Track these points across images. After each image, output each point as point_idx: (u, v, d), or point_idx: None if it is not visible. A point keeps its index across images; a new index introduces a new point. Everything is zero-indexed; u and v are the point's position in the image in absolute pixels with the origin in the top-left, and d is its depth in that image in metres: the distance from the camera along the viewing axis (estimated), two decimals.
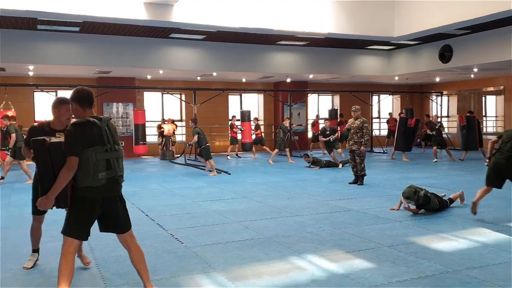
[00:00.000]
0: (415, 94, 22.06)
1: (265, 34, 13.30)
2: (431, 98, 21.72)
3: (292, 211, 7.05)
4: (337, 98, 21.97)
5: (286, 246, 5.09)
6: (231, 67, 15.77)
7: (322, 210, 7.13)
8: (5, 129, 13.10)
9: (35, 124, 4.53)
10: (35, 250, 4.60)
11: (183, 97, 18.96)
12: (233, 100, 20.60)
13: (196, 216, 6.80)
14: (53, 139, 3.44)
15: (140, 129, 15.78)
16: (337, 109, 20.08)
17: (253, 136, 17.09)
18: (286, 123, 15.78)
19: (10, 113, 13.46)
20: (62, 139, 3.38)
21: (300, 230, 5.86)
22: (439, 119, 15.91)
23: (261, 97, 21.03)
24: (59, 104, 4.11)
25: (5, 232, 5.96)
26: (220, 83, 19.00)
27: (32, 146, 3.46)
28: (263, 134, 18.21)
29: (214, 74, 16.81)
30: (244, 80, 19.36)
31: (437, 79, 20.47)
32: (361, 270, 4.29)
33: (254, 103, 21.20)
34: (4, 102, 13.85)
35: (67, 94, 13.90)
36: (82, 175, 3.27)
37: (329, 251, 4.92)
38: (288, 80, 19.47)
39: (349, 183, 9.84)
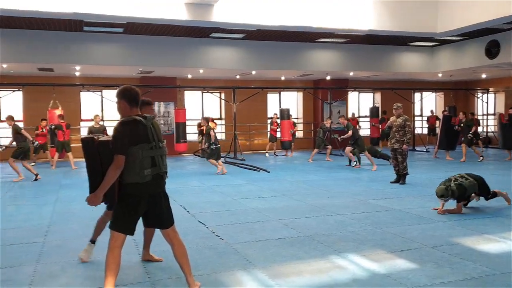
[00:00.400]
0: (459, 91, 21.38)
1: (304, 32, 13.24)
2: (476, 95, 20.99)
3: (332, 210, 7.00)
4: (378, 96, 21.58)
5: (326, 245, 5.07)
6: (271, 65, 15.79)
7: (362, 209, 7.05)
8: (53, 127, 13.68)
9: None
10: (93, 241, 4.71)
11: (223, 96, 19.15)
12: (272, 99, 20.62)
13: (236, 213, 6.87)
14: (102, 138, 3.55)
15: (181, 127, 16.06)
16: (378, 107, 19.74)
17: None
18: (327, 123, 15.71)
19: (58, 112, 14.01)
20: (110, 137, 3.48)
21: (341, 229, 5.82)
22: (461, 117, 15.07)
23: (300, 95, 20.95)
24: (142, 105, 4.18)
25: (53, 227, 6.20)
26: (259, 82, 19.06)
27: (81, 145, 3.58)
28: (298, 132, 18.16)
29: (253, 72, 16.88)
30: (283, 78, 19.34)
31: (483, 76, 19.75)
32: (403, 271, 4.22)
33: (293, 101, 21.14)
34: (52, 102, 14.43)
35: (112, 93, 14.39)
36: (129, 172, 3.37)
37: (370, 250, 4.86)
38: (328, 77, 19.29)
39: (391, 182, 9.67)
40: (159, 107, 18.23)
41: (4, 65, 14.04)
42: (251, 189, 9.19)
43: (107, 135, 3.79)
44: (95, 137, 3.53)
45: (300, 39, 14.96)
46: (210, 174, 11.87)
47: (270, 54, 15.55)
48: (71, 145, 13.88)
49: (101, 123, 12.55)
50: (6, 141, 16.93)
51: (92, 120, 13.34)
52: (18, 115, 17.21)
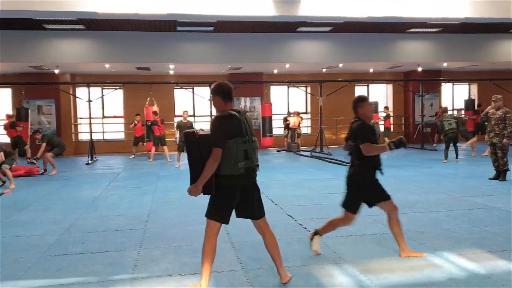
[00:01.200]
0: None
1: (394, 23, 12.80)
2: None
3: (425, 206, 6.75)
4: (474, 87, 20.24)
5: (419, 242, 4.92)
6: (358, 57, 15.48)
7: (458, 206, 6.71)
8: (149, 123, 14.55)
9: None
10: (317, 233, 4.79)
11: (309, 90, 19.10)
12: (360, 91, 20.19)
13: (325, 208, 6.87)
14: (202, 132, 3.72)
15: (267, 121, 16.31)
16: (474, 99, 18.52)
17: (381, 127, 16.58)
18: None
19: (154, 108, 14.89)
20: (209, 131, 3.64)
21: (435, 226, 5.60)
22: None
23: (389, 87, 20.29)
24: (362, 102, 4.47)
25: (153, 215, 6.64)
26: (346, 75, 18.76)
27: (184, 138, 3.79)
28: (392, 125, 17.58)
29: (340, 65, 16.65)
30: (371, 70, 18.85)
31: None
32: (505, 272, 3.98)
33: (382, 94, 20.53)
34: (149, 99, 15.35)
35: (202, 90, 14.98)
36: (224, 165, 3.52)
37: (468, 249, 4.63)
38: (419, 69, 18.47)
39: (489, 179, 9.08)
40: (245, 102, 18.64)
41: (107, 65, 15.20)
42: (339, 184, 9.09)
43: (202, 130, 3.96)
44: (197, 131, 3.72)
45: (390, 30, 14.48)
46: (296, 168, 11.94)
47: (358, 46, 15.24)
48: (166, 139, 14.69)
49: (188, 118, 13.13)
50: (106, 136, 18.37)
51: (180, 116, 14.02)
52: (119, 111, 18.58)
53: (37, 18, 11.72)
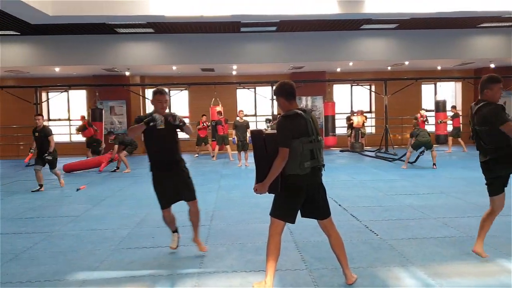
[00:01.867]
0: None
1: (464, 17, 12.22)
2: None
3: None
4: None
5: (492, 247, 4.68)
6: (425, 54, 14.94)
7: None
8: (213, 123, 14.86)
9: None
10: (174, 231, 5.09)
11: (373, 88, 18.68)
12: (426, 90, 19.47)
13: (390, 209, 6.71)
14: (269, 131, 3.78)
15: (330, 121, 16.14)
16: None
17: (450, 127, 15.90)
18: None
19: (218, 109, 15.21)
20: (275, 131, 3.67)
21: (510, 231, 5.31)
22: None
23: (458, 85, 19.41)
24: (492, 83, 4.19)
25: (217, 212, 6.81)
26: (412, 72, 18.14)
27: (250, 137, 3.86)
28: (461, 125, 16.79)
29: (406, 63, 16.15)
30: (439, 68, 18.11)
31: None
32: None
33: (450, 92, 19.67)
34: (213, 99, 15.70)
35: (264, 90, 15.07)
36: (290, 164, 3.54)
37: None
38: (492, 66, 17.48)
39: None
40: (306, 101, 18.56)
41: (174, 67, 15.73)
42: (405, 185, 8.87)
43: (266, 129, 4.01)
44: (263, 130, 3.78)
45: (458, 25, 13.85)
46: (360, 168, 11.74)
47: (425, 43, 14.71)
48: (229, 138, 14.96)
49: (244, 118, 13.32)
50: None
51: (238, 115, 14.18)
52: (184, 111, 19.15)
53: (110, 23, 12.35)
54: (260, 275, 4.00)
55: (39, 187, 9.27)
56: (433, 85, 19.44)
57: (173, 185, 4.64)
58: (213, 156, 15.05)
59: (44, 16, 10.04)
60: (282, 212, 3.66)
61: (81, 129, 14.31)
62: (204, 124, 15.54)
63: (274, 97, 3.83)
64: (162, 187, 4.67)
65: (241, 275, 4.12)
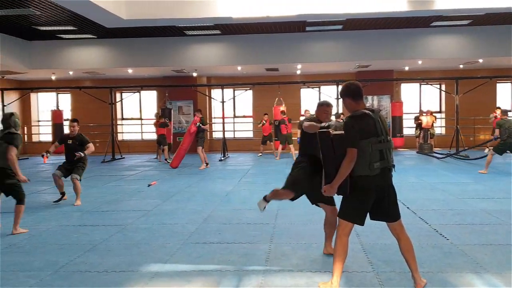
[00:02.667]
0: None
1: None
2: None
3: None
4: None
5: None
6: (501, 51, 14.13)
7: None
8: (276, 122, 14.96)
9: None
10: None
11: (443, 87, 17.93)
12: (502, 89, 18.38)
13: (462, 213, 6.44)
14: (336, 131, 3.74)
15: (398, 121, 15.71)
16: None
17: None
18: None
19: (282, 108, 15.28)
20: (342, 131, 3.62)
21: None
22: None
23: None
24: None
25: (282, 211, 6.86)
26: (486, 71, 17.22)
27: (318, 138, 3.83)
28: None
29: (480, 61, 15.35)
30: None
31: None
32: None
33: None
34: (277, 99, 15.80)
35: (329, 89, 14.95)
36: (359, 165, 3.50)
37: None
38: None
39: None
40: (372, 101, 18.15)
41: (239, 68, 15.99)
42: (478, 189, 8.45)
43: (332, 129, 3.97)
44: (330, 130, 3.75)
45: None
46: (429, 170, 11.33)
47: (501, 40, 13.93)
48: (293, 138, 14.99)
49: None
50: (237, 134, 19.27)
51: (302, 115, 14.12)
52: (248, 111, 19.41)
53: (180, 25, 12.79)
54: (326, 276, 4.00)
55: (61, 195, 7.89)
56: (510, 83, 18.32)
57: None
58: (276, 156, 15.13)
59: (119, 20, 10.58)
60: (351, 213, 3.63)
61: (164, 126, 14.89)
62: (265, 122, 15.63)
63: (340, 98, 3.81)
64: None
65: (306, 274, 4.14)
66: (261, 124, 15.91)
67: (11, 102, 17.55)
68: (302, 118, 13.43)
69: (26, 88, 17.91)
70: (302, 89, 18.68)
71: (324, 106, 4.57)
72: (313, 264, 4.41)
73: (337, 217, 3.75)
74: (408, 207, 6.89)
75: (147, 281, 4.04)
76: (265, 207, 4.97)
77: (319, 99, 18.41)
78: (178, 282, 4.01)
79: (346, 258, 3.67)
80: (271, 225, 6.00)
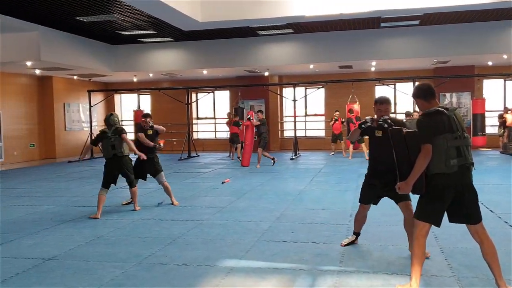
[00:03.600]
0: None
1: None
2: None
3: None
4: None
5: None
6: None
7: None
8: (343, 121, 14.70)
9: None
10: (355, 233, 5.06)
11: None
12: None
13: None
14: (408, 129, 3.70)
15: (479, 119, 14.85)
16: None
17: None
18: None
19: (356, 106, 15.03)
20: (415, 129, 3.60)
21: None
22: None
23: None
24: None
25: (355, 213, 6.74)
26: None
27: (390, 135, 3.81)
28: None
29: None
30: None
31: None
32: None
33: None
34: (350, 96, 15.55)
35: (405, 86, 14.48)
36: (435, 162, 3.42)
37: None
38: None
39: None
40: (451, 98, 17.30)
41: (311, 66, 15.93)
42: None
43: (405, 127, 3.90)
44: (403, 128, 3.72)
45: None
46: None
47: None
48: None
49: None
50: (308, 133, 19.20)
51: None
52: (320, 109, 19.28)
53: (252, 26, 12.98)
54: (403, 278, 3.91)
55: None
56: None
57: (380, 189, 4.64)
58: (346, 155, 14.89)
59: (195, 23, 10.95)
60: (427, 213, 3.54)
61: (237, 124, 15.25)
62: (337, 120, 15.39)
63: (413, 99, 3.77)
64: (369, 186, 4.74)
65: (382, 277, 4.07)
66: (332, 122, 15.71)
67: (97, 103, 18.80)
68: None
69: (110, 90, 19.05)
70: (376, 87, 18.23)
71: (377, 104, 4.56)
72: (390, 266, 4.32)
73: (413, 218, 3.66)
74: (491, 210, 6.53)
75: (223, 276, 4.17)
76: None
77: (395, 96, 17.87)
78: (253, 278, 4.11)
79: (424, 262, 3.57)
80: (345, 225, 5.94)
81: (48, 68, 15.12)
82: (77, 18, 11.93)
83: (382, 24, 13.50)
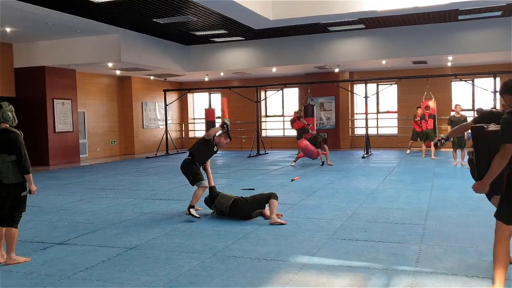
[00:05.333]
0: None
1: None
2: None
3: None
4: None
5: None
6: None
7: None
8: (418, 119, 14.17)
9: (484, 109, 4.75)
10: None
11: None
12: None
13: None
14: (491, 127, 3.53)
15: None
16: None
17: None
18: None
19: (431, 103, 14.44)
20: (498, 127, 3.42)
21: None
22: None
23: None
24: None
25: (432, 212, 6.53)
26: None
27: (471, 133, 3.66)
28: None
29: None
30: None
31: None
32: None
33: None
34: (425, 93, 14.96)
35: (484, 82, 13.72)
36: None
37: None
38: None
39: None
40: None
41: (383, 61, 15.52)
42: None
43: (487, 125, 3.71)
44: (485, 126, 3.56)
45: None
46: None
47: None
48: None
49: (461, 113, 12.24)
50: (380, 131, 18.72)
51: (453, 110, 13.05)
52: (393, 106, 18.74)
53: (323, 22, 12.88)
54: (485, 282, 3.74)
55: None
56: None
57: None
58: (430, 155, 14.32)
59: (266, 21, 11.07)
60: (507, 214, 3.37)
61: (291, 122, 15.26)
62: (419, 118, 14.83)
63: (500, 95, 3.59)
64: None
65: (461, 279, 3.91)
66: (418, 119, 15.01)
67: (172, 102, 19.57)
68: (452, 113, 12.55)
69: (184, 89, 19.76)
70: (453, 82, 17.39)
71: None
72: (469, 269, 4.14)
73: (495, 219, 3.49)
74: None
75: (296, 272, 4.21)
76: None
77: (473, 92, 16.97)
78: (326, 276, 4.11)
79: (510, 266, 3.40)
80: (420, 225, 5.76)
81: (127, 69, 15.96)
82: (154, 20, 12.48)
83: (460, 17, 12.86)
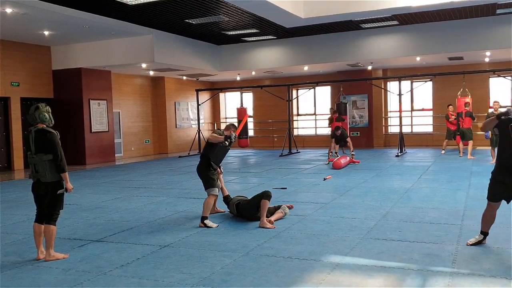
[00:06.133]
0: None
1: None
2: None
3: None
4: None
5: None
6: None
7: None
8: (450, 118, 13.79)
9: None
10: (483, 233, 4.81)
11: None
12: None
13: None
14: None
15: None
16: None
17: None
18: None
19: (467, 100, 14.04)
20: None
21: None
22: None
23: None
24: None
25: (469, 212, 6.36)
26: None
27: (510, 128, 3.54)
28: None
29: None
30: None
31: None
32: None
33: None
34: (462, 89, 14.55)
35: None
36: None
37: None
38: None
39: None
40: None
41: (418, 58, 15.21)
42: None
43: None
44: None
45: None
46: None
47: None
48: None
49: (500, 109, 11.82)
50: (415, 129, 18.35)
51: (491, 107, 12.64)
52: (428, 104, 18.33)
53: (356, 19, 12.72)
54: None
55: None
56: None
57: None
58: (460, 152, 13.96)
59: (298, 19, 11.03)
60: None
61: (341, 120, 15.10)
62: (453, 116, 14.44)
63: None
64: (498, 183, 4.70)
65: (501, 281, 3.79)
66: (453, 118, 14.63)
67: (204, 102, 19.76)
68: (490, 110, 12.16)
69: (216, 89, 19.92)
70: (491, 79, 16.86)
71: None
72: (508, 271, 4.01)
73: None
74: None
75: (329, 271, 4.18)
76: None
77: None
78: (359, 276, 4.07)
79: None
80: (457, 225, 5.62)
81: (160, 69, 16.22)
82: (186, 20, 12.63)
83: (498, 11, 12.45)
